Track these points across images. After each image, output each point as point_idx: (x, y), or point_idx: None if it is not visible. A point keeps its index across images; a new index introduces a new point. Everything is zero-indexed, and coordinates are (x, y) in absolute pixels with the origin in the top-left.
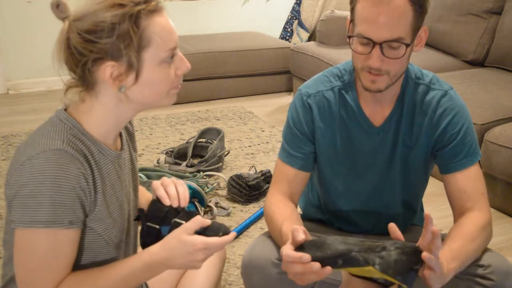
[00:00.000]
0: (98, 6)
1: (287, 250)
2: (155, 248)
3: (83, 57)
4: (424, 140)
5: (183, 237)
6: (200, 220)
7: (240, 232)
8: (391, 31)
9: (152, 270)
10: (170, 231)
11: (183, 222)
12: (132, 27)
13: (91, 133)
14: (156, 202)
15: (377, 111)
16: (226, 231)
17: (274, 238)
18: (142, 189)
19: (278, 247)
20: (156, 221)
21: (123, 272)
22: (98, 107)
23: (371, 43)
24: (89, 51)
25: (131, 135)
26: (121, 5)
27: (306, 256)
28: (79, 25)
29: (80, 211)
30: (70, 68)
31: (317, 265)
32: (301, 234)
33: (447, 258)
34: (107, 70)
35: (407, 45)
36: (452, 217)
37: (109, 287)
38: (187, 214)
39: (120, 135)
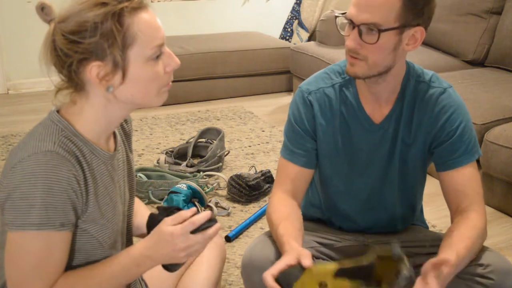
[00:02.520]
0: (81, 6)
1: (270, 281)
2: (140, 243)
3: (68, 58)
4: (422, 137)
5: (161, 228)
6: (180, 215)
7: (240, 232)
8: (370, 14)
9: (139, 265)
10: None
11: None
12: (115, 25)
13: (83, 134)
14: (152, 214)
15: (377, 108)
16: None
17: (274, 238)
18: (140, 204)
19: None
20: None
21: (112, 268)
22: (88, 108)
23: (352, 24)
24: (73, 51)
25: (127, 135)
26: (104, 4)
27: None
28: (63, 26)
29: (71, 213)
30: (59, 71)
31: None
32: (308, 260)
33: (453, 264)
34: (93, 70)
35: (381, 31)
36: None
37: (100, 285)
38: (171, 213)
39: (115, 136)
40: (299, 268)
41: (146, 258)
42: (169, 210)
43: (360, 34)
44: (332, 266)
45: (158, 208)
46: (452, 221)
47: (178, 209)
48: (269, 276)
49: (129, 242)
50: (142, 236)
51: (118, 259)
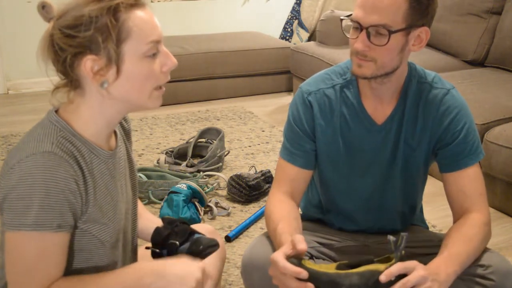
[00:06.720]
0: (79, 2)
1: (283, 261)
2: (150, 261)
3: (63, 52)
4: (427, 138)
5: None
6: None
7: (240, 232)
8: (378, 16)
9: (142, 278)
10: (168, 252)
11: (177, 242)
12: (110, 20)
13: (82, 134)
14: (158, 228)
15: (379, 109)
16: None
17: (271, 238)
18: (149, 215)
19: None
20: (157, 245)
21: (113, 280)
22: (84, 106)
23: (359, 27)
24: (68, 45)
25: (127, 133)
26: None
27: (304, 273)
28: (61, 21)
29: (69, 214)
30: (57, 69)
31: (310, 285)
32: (303, 244)
33: (446, 263)
34: (87, 64)
35: (391, 32)
36: (452, 217)
37: None
38: (181, 234)
39: (116, 133)
40: (296, 261)
41: (150, 272)
42: (174, 224)
43: (368, 36)
44: (333, 264)
45: (163, 220)
46: (454, 222)
47: (183, 222)
48: (284, 261)
49: (133, 241)
50: (146, 240)
51: (122, 271)
